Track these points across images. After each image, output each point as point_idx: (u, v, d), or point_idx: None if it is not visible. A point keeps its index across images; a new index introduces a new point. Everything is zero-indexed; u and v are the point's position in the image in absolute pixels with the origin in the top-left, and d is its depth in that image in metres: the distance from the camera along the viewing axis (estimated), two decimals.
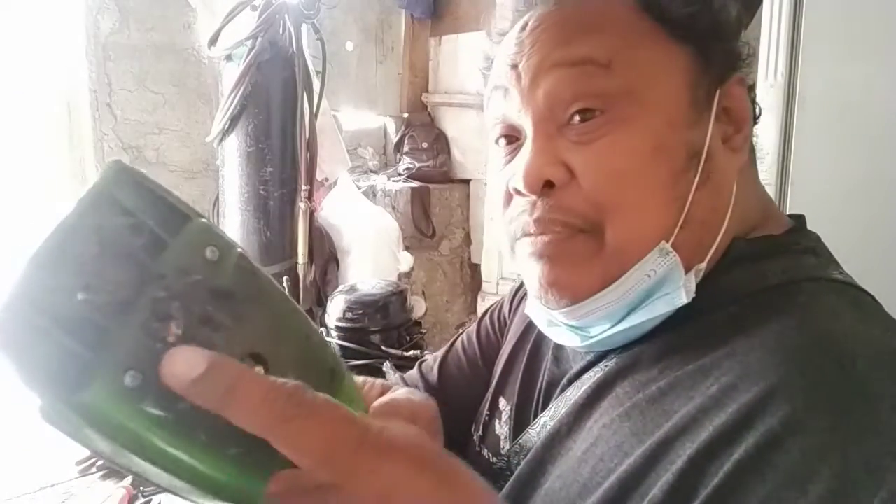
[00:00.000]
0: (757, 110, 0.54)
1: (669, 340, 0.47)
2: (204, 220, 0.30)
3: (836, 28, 1.22)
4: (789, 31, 1.25)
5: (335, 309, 1.53)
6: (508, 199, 0.52)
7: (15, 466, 1.14)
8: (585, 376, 0.53)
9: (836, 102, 1.23)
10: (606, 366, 0.51)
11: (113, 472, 1.11)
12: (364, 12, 2.69)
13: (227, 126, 1.76)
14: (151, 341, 0.27)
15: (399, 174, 2.62)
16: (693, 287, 0.47)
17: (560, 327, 0.54)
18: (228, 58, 1.76)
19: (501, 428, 0.62)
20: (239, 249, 0.31)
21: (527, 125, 0.50)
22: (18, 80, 1.94)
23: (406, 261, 2.33)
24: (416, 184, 2.56)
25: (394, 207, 2.52)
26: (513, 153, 0.52)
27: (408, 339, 1.56)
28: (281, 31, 1.75)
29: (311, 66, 1.85)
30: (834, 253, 0.52)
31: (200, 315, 0.28)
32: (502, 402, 0.65)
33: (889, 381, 0.37)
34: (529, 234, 0.50)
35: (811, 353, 0.40)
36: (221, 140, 1.80)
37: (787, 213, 0.55)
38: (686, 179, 0.47)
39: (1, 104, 1.90)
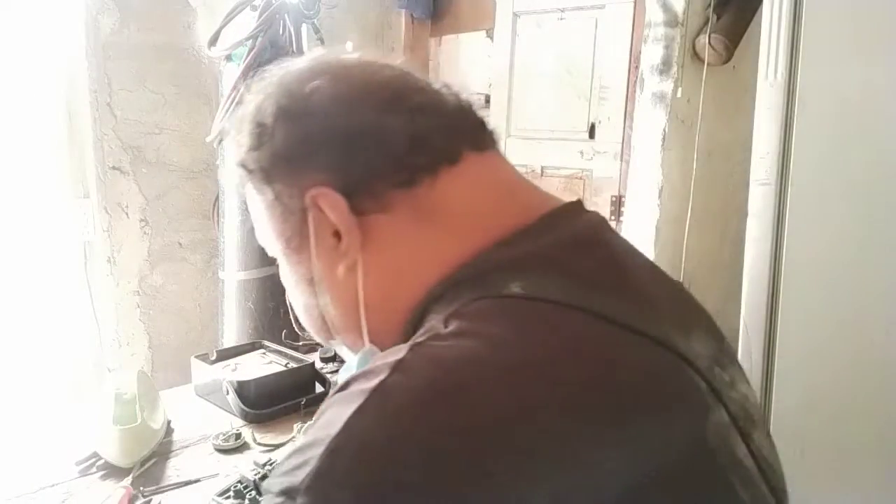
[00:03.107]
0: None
1: None
2: None
3: (836, 28, 1.22)
4: (789, 31, 1.25)
5: None
6: None
7: (15, 466, 1.14)
8: None
9: (836, 102, 1.23)
10: None
11: (113, 472, 1.11)
12: (364, 12, 2.69)
13: (227, 126, 1.76)
14: None
15: None
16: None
17: None
18: (228, 58, 1.76)
19: None
20: None
21: None
22: (18, 81, 1.94)
23: None
24: None
25: None
26: None
27: None
28: (281, 31, 1.74)
29: None
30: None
31: None
32: None
33: (416, 377, 0.40)
34: None
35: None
36: (221, 140, 1.80)
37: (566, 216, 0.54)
38: (317, 301, 0.57)
39: (0, 104, 1.90)
